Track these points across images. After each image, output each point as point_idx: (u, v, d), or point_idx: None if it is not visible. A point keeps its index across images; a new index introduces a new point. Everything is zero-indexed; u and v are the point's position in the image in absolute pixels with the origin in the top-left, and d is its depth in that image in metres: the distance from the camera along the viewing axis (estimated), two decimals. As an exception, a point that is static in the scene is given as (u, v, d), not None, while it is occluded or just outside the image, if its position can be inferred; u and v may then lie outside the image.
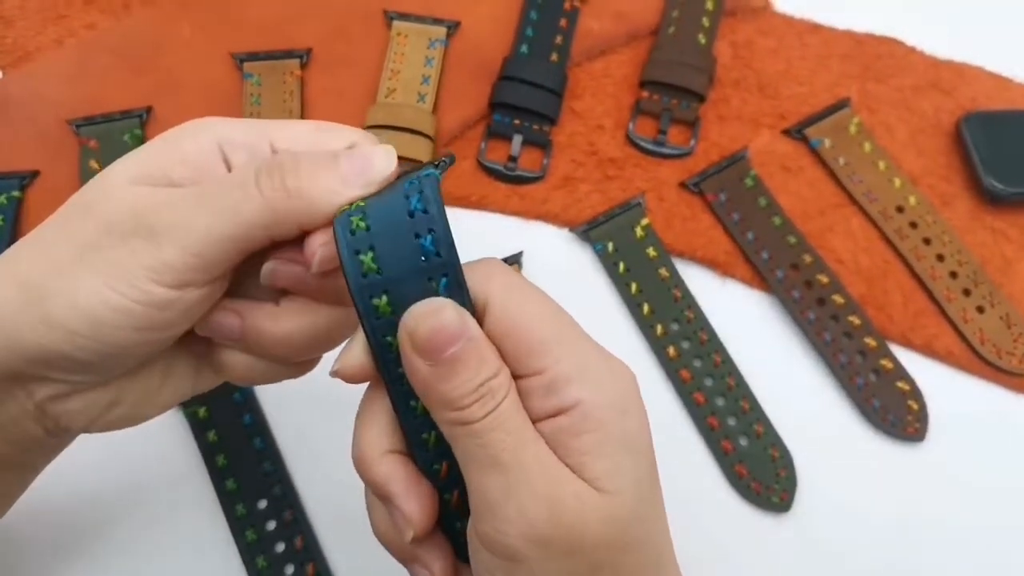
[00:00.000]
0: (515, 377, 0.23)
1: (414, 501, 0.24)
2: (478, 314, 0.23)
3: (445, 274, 0.22)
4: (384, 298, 0.22)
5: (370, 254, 0.22)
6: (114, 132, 0.45)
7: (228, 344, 0.27)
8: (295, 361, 0.27)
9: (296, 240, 0.24)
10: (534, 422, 0.23)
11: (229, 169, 0.25)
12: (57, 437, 0.28)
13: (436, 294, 0.22)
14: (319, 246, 0.24)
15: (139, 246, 0.23)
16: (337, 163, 0.24)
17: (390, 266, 0.22)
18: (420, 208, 0.22)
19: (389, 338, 0.23)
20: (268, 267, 0.25)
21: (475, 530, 0.23)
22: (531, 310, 0.23)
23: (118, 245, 0.23)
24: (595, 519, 0.22)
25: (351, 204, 0.23)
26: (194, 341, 0.27)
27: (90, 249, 0.23)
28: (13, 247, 0.25)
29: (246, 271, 0.25)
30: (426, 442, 0.24)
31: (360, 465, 0.24)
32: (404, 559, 0.25)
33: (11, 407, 0.26)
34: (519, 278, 0.24)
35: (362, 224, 0.22)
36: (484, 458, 0.22)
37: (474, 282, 0.23)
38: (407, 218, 0.22)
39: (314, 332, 0.26)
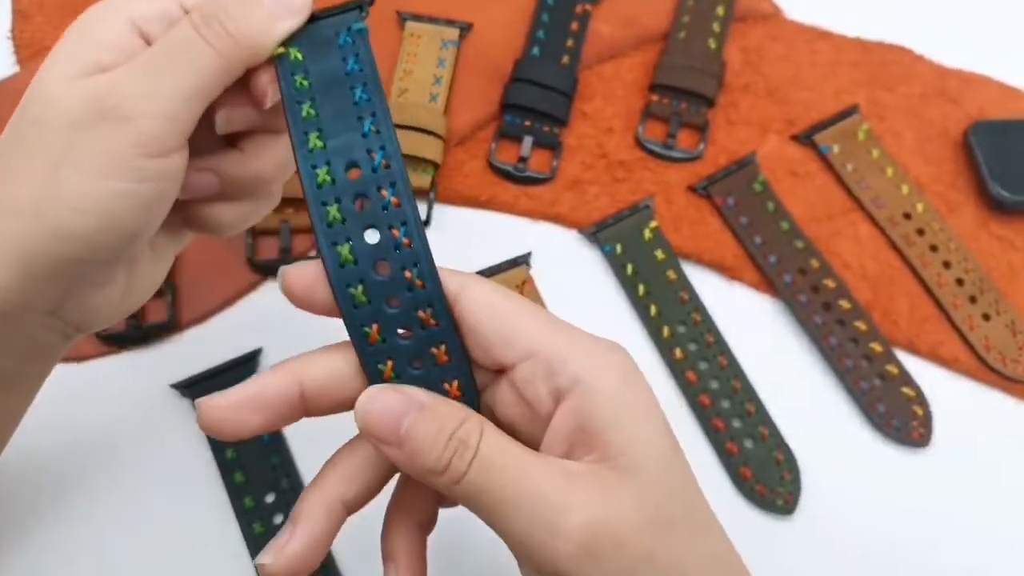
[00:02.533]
0: (507, 368, 0.23)
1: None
2: (451, 299, 0.24)
3: (363, 84, 0.25)
4: (308, 104, 0.25)
5: (302, 75, 0.25)
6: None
7: (208, 200, 0.28)
8: (266, 194, 0.30)
9: (235, 86, 0.26)
10: (545, 419, 0.23)
11: (148, 42, 0.25)
12: (70, 340, 0.29)
13: (354, 101, 0.25)
14: (267, 83, 0.26)
15: (114, 129, 0.24)
16: (260, 1, 0.25)
17: (317, 81, 0.25)
18: (350, 43, 0.25)
19: (310, 135, 0.25)
20: (222, 116, 0.26)
21: (519, 559, 0.23)
22: (511, 300, 0.24)
23: (92, 137, 0.24)
24: (628, 508, 0.22)
25: (284, 45, 0.25)
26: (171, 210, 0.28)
27: (66, 153, 0.24)
28: None
29: (196, 129, 0.26)
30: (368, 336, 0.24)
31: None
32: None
33: (29, 325, 0.26)
34: (499, 285, 0.25)
35: (299, 56, 0.25)
36: (491, 504, 0.22)
37: (449, 277, 0.24)
38: (336, 49, 0.25)
39: (277, 160, 0.28)
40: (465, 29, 0.49)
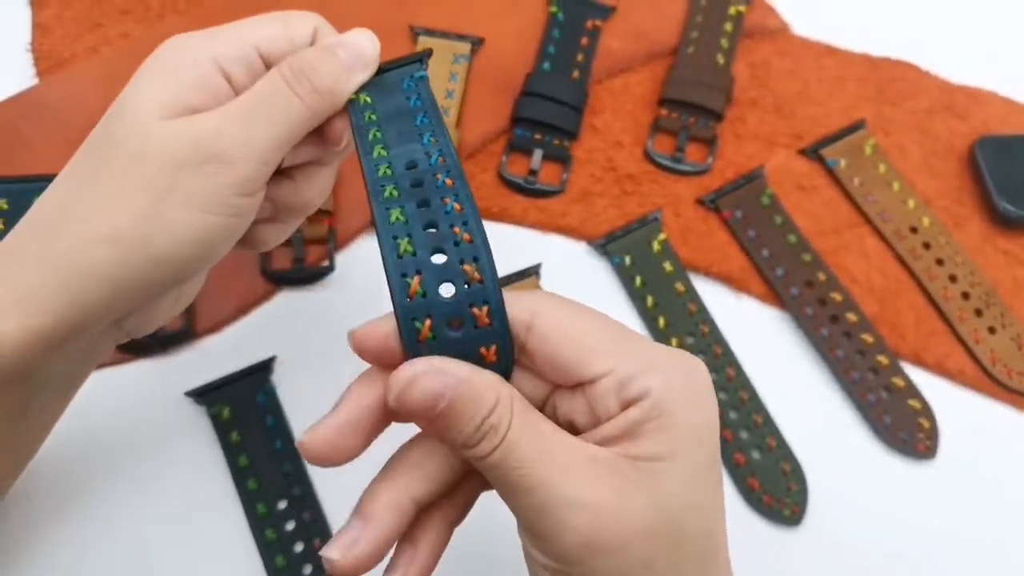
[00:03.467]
0: (584, 383, 0.24)
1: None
2: (523, 329, 0.24)
3: (424, 112, 0.28)
4: (375, 130, 0.27)
5: (371, 112, 0.28)
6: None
7: (258, 222, 0.31)
8: (303, 215, 0.33)
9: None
10: (605, 421, 0.24)
11: (230, 82, 0.28)
12: (119, 342, 0.32)
13: (415, 125, 0.27)
14: (342, 129, 0.29)
15: (216, 171, 0.26)
16: (337, 55, 0.28)
17: (383, 113, 0.28)
18: (412, 87, 0.28)
19: (376, 147, 0.27)
20: (291, 153, 0.30)
21: (525, 537, 0.24)
22: (583, 319, 0.24)
23: (196, 176, 0.26)
24: (640, 508, 0.22)
25: (356, 94, 0.28)
26: None
27: (169, 189, 0.26)
28: (53, 209, 0.27)
29: None
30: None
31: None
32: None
33: (93, 335, 0.29)
34: (564, 298, 0.25)
35: (367, 99, 0.28)
36: (508, 485, 0.23)
37: (519, 303, 0.24)
38: (400, 92, 0.28)
39: (323, 188, 0.32)
40: (477, 44, 0.50)
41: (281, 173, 0.31)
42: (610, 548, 0.22)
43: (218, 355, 0.41)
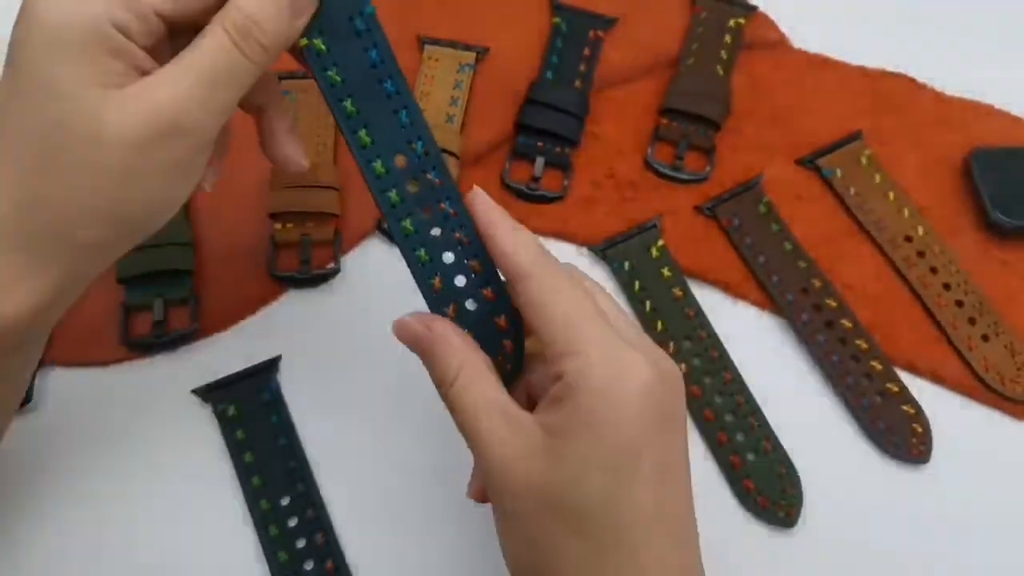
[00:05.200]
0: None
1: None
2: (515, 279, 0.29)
3: (390, 76, 0.29)
4: (349, 101, 0.29)
5: (334, 69, 0.29)
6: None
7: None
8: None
9: None
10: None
11: (129, 37, 0.26)
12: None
13: (387, 95, 0.29)
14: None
15: (175, 142, 0.27)
16: (279, 5, 0.27)
17: (349, 75, 0.29)
18: (364, 29, 0.29)
19: (360, 133, 0.29)
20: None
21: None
22: (564, 293, 0.29)
23: (157, 150, 0.27)
24: (527, 464, 0.27)
25: (309, 40, 0.29)
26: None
27: (131, 168, 0.26)
28: (12, 202, 0.27)
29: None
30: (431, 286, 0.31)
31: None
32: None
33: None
34: (558, 266, 0.30)
35: (322, 46, 0.29)
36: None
37: (517, 259, 0.29)
38: (356, 38, 0.29)
39: None
40: (482, 53, 0.51)
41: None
42: (510, 491, 0.27)
43: (224, 354, 0.42)
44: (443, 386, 0.29)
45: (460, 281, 0.31)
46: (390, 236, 0.46)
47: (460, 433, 0.29)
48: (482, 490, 0.31)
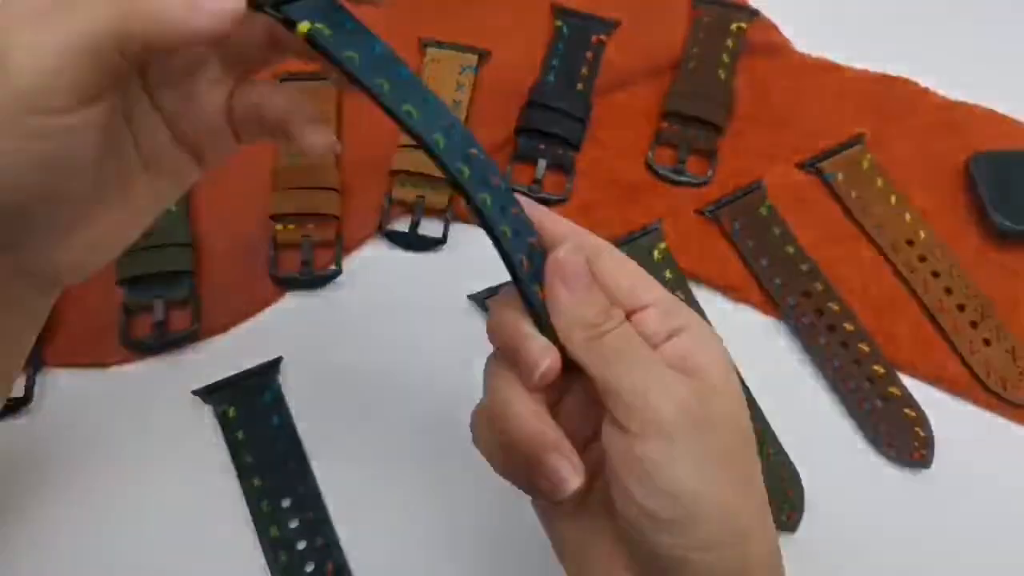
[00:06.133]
0: (636, 309, 0.27)
1: (537, 343, 0.27)
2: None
3: (401, 64, 0.27)
4: (381, 79, 0.27)
5: (350, 50, 0.26)
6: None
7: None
8: None
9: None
10: (654, 346, 0.27)
11: None
12: (47, 295, 0.29)
13: (405, 79, 0.27)
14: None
15: None
16: None
17: (364, 60, 0.27)
18: (376, 42, 0.27)
19: (405, 107, 0.27)
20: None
21: (621, 426, 0.25)
22: (632, 261, 0.29)
23: None
24: (715, 405, 0.26)
25: (310, 24, 0.26)
26: (161, 153, 0.28)
27: None
28: None
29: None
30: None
31: (492, 328, 0.28)
32: (537, 451, 0.26)
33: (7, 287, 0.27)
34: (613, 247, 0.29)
35: (325, 29, 0.26)
36: (624, 359, 0.26)
37: (584, 239, 0.28)
38: (369, 41, 0.27)
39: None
40: (483, 56, 0.51)
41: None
42: (704, 424, 0.25)
43: (225, 355, 0.42)
44: (604, 326, 0.27)
45: (527, 265, 0.28)
46: (391, 238, 0.46)
47: (636, 366, 0.26)
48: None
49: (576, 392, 0.28)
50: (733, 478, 0.26)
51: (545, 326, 0.27)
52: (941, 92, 0.52)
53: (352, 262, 0.45)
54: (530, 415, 0.26)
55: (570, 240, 0.28)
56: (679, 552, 0.25)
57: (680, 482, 0.24)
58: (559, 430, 0.26)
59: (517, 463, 0.27)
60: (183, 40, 0.23)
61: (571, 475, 0.26)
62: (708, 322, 0.29)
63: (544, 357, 0.26)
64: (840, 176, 0.48)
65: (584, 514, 0.28)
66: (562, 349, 0.27)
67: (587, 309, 0.27)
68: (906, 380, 0.43)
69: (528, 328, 0.27)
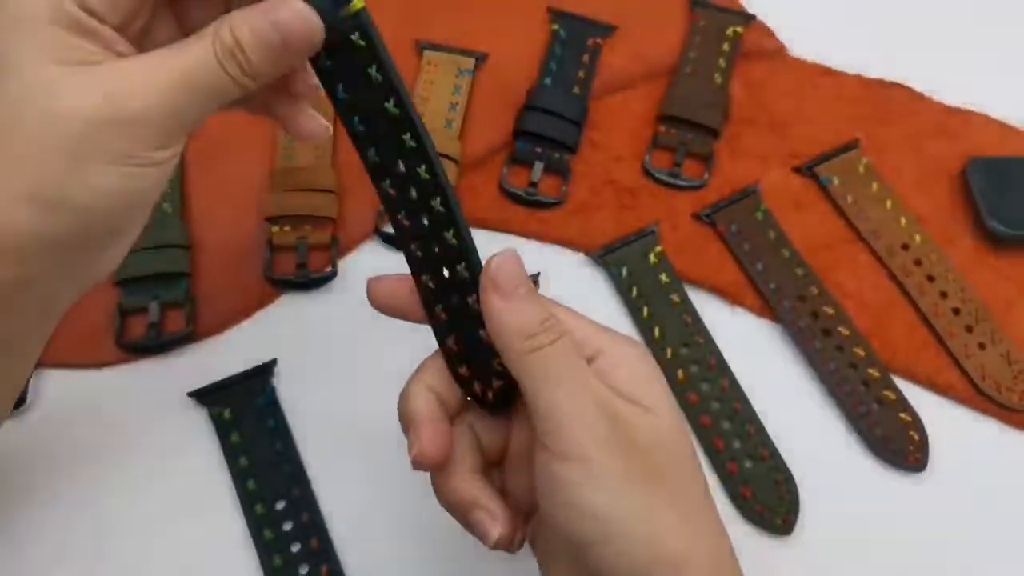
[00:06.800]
0: None
1: (428, 429, 0.29)
2: None
3: (395, 91, 0.28)
4: (356, 118, 0.29)
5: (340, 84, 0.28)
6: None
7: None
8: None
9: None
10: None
11: (92, 14, 0.25)
12: (83, 292, 0.31)
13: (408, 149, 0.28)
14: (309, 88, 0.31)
15: (133, 130, 0.25)
16: (272, 38, 0.26)
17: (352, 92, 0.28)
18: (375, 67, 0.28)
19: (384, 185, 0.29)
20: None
21: (544, 445, 0.27)
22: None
23: (112, 134, 0.25)
24: (643, 426, 0.27)
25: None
26: None
27: (85, 147, 0.25)
28: None
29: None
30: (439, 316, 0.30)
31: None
32: (463, 511, 0.30)
33: (43, 287, 0.28)
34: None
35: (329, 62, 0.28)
36: (551, 378, 0.27)
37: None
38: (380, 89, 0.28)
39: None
40: (480, 59, 0.51)
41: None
42: (621, 450, 0.26)
43: (220, 357, 0.42)
44: (539, 340, 0.27)
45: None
46: (387, 240, 0.46)
47: (563, 386, 0.27)
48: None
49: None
50: (660, 502, 0.27)
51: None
52: (937, 97, 0.52)
53: (348, 264, 0.45)
54: (459, 482, 0.30)
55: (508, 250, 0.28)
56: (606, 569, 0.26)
57: (597, 505, 0.26)
58: (486, 487, 0.30)
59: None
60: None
61: (492, 528, 0.29)
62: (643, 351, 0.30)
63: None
64: (836, 180, 0.49)
65: (543, 530, 0.30)
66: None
67: (523, 319, 0.27)
68: (901, 384, 0.43)
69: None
